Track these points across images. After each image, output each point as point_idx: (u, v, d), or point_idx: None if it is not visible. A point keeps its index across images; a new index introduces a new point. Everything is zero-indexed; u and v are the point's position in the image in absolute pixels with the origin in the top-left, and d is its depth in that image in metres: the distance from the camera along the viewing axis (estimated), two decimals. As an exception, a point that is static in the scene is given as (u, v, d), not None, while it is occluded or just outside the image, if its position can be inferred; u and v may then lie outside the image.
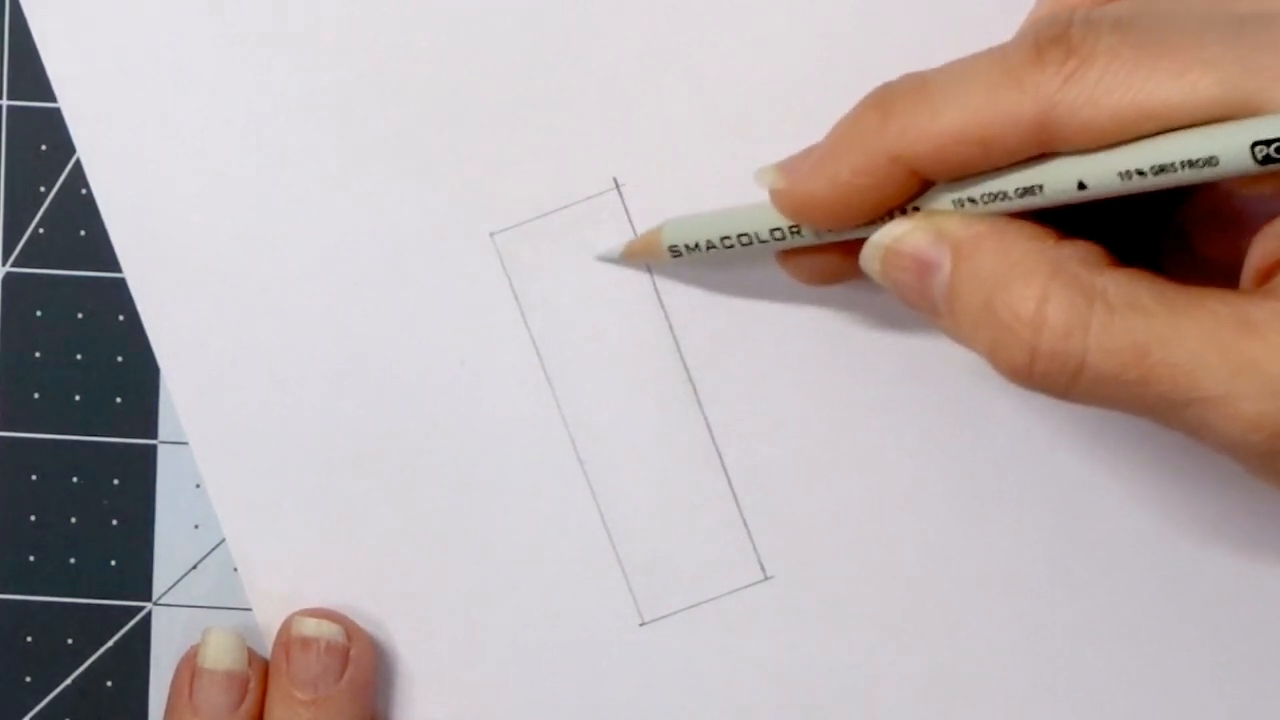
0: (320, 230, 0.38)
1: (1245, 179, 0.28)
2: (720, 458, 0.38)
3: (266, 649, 0.38)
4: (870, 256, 0.32)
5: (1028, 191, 0.30)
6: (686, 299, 0.38)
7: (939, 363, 0.38)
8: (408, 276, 0.38)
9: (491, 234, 0.38)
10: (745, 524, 0.38)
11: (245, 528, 0.39)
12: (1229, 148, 0.27)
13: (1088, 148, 0.29)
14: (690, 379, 0.38)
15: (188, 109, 0.38)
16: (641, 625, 0.39)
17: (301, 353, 0.39)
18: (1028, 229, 0.30)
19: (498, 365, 0.38)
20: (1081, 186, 0.29)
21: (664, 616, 0.39)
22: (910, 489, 0.38)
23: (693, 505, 0.38)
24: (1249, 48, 0.28)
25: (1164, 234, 0.34)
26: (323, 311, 0.39)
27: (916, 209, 0.32)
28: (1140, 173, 0.28)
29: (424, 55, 0.38)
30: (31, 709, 0.40)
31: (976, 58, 0.30)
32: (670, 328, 0.38)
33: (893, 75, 0.38)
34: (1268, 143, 0.27)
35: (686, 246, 0.36)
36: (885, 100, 0.31)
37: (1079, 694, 0.38)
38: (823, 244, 0.34)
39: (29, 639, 0.40)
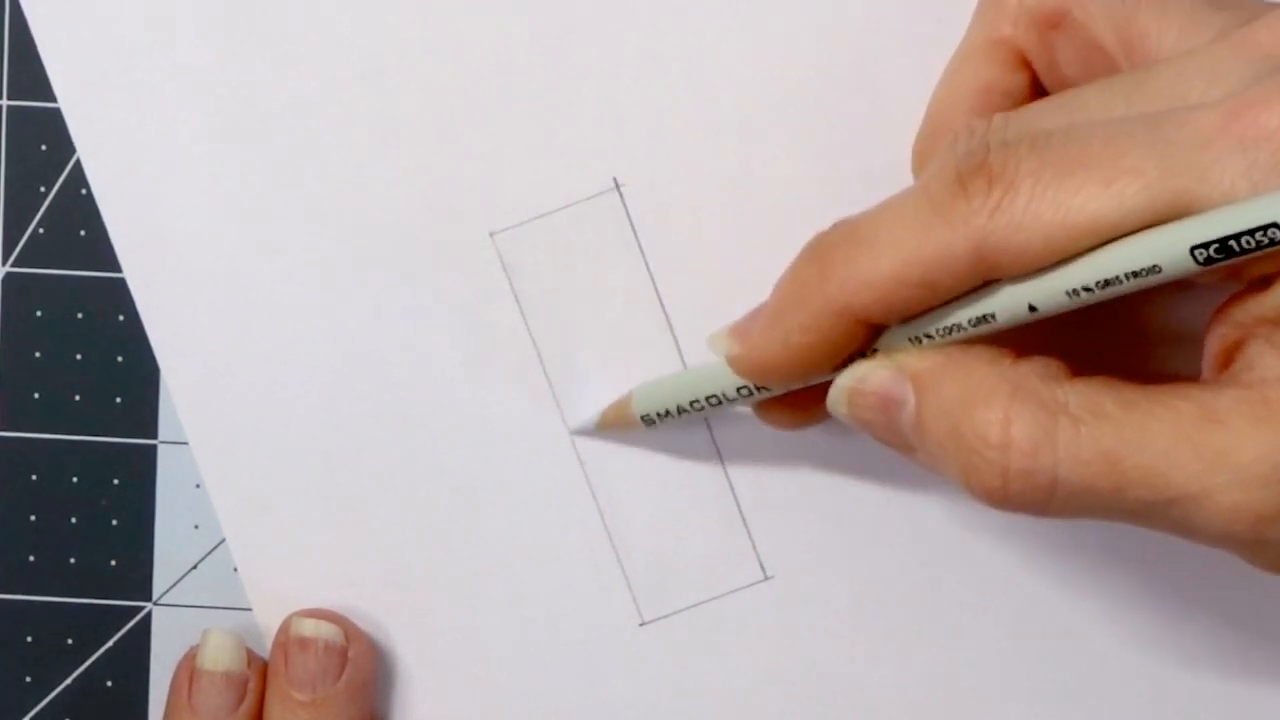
0: (320, 230, 0.38)
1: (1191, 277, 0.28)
2: (720, 458, 0.38)
3: (266, 649, 0.38)
4: (836, 400, 0.32)
5: (981, 321, 0.30)
6: (687, 298, 0.38)
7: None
8: (408, 276, 0.38)
9: (491, 234, 0.38)
10: (745, 524, 0.38)
11: (245, 528, 0.39)
12: (1169, 255, 0.28)
13: (1028, 271, 0.29)
14: (690, 379, 0.38)
15: (188, 109, 0.38)
16: (641, 625, 0.39)
17: (301, 353, 0.39)
18: (985, 353, 0.30)
19: (498, 365, 0.38)
20: (1033, 309, 0.29)
21: (664, 616, 0.39)
22: (910, 489, 0.38)
23: (693, 505, 0.38)
24: (1168, 148, 0.27)
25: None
26: (323, 311, 0.39)
27: (875, 350, 0.32)
28: (1087, 289, 0.29)
29: (424, 55, 0.38)
30: (31, 709, 0.40)
31: (902, 198, 0.30)
32: (670, 327, 0.38)
33: (893, 75, 0.38)
34: (1205, 245, 0.27)
35: (658, 414, 0.36)
36: (820, 253, 0.31)
37: (1078, 694, 0.38)
38: (793, 392, 0.34)
39: (29, 639, 0.40)
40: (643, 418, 0.37)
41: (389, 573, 0.39)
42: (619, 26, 0.38)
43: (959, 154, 0.30)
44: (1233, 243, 0.27)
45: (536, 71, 0.38)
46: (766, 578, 0.39)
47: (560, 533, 0.38)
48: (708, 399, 0.35)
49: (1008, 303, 0.30)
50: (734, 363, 0.33)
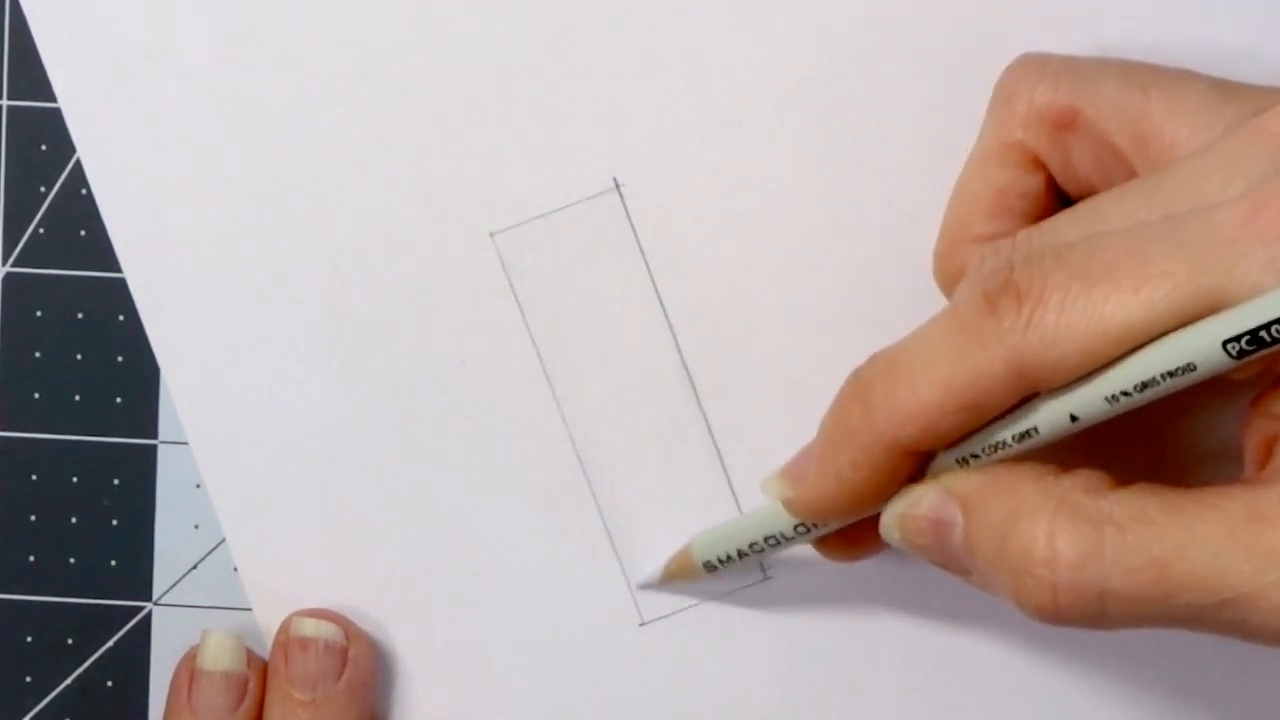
0: (320, 230, 0.38)
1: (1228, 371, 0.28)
2: (720, 458, 0.38)
3: (266, 649, 0.38)
4: (889, 526, 0.32)
5: (1025, 436, 0.30)
6: (687, 299, 0.38)
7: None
8: (408, 276, 0.38)
9: (491, 234, 0.38)
10: (745, 524, 0.38)
11: (245, 528, 0.39)
12: (1202, 351, 0.28)
13: (1066, 382, 0.29)
14: (690, 379, 0.38)
15: (188, 109, 0.38)
16: (641, 625, 0.39)
17: (301, 353, 0.39)
18: (1029, 470, 0.30)
19: (498, 365, 0.38)
20: (1074, 419, 0.30)
21: (664, 616, 0.39)
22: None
23: (693, 505, 0.38)
24: (1192, 248, 0.28)
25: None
26: (322, 311, 0.39)
27: (924, 474, 0.32)
28: (1125, 394, 0.29)
29: (424, 55, 0.38)
30: (31, 709, 0.40)
31: (934, 325, 0.30)
32: (670, 327, 0.38)
33: (893, 75, 0.38)
34: (1237, 338, 0.27)
35: (720, 560, 0.37)
36: (861, 389, 0.31)
37: (1078, 693, 0.38)
38: (852, 526, 0.34)
39: (29, 639, 0.40)
40: (705, 564, 0.37)
41: (389, 573, 0.39)
42: (619, 26, 0.38)
43: (985, 274, 0.30)
44: (1263, 333, 0.27)
45: (536, 71, 0.38)
46: (765, 578, 0.39)
47: (560, 533, 0.38)
48: (766, 540, 0.35)
49: (1049, 416, 0.30)
50: (789, 505, 0.34)
